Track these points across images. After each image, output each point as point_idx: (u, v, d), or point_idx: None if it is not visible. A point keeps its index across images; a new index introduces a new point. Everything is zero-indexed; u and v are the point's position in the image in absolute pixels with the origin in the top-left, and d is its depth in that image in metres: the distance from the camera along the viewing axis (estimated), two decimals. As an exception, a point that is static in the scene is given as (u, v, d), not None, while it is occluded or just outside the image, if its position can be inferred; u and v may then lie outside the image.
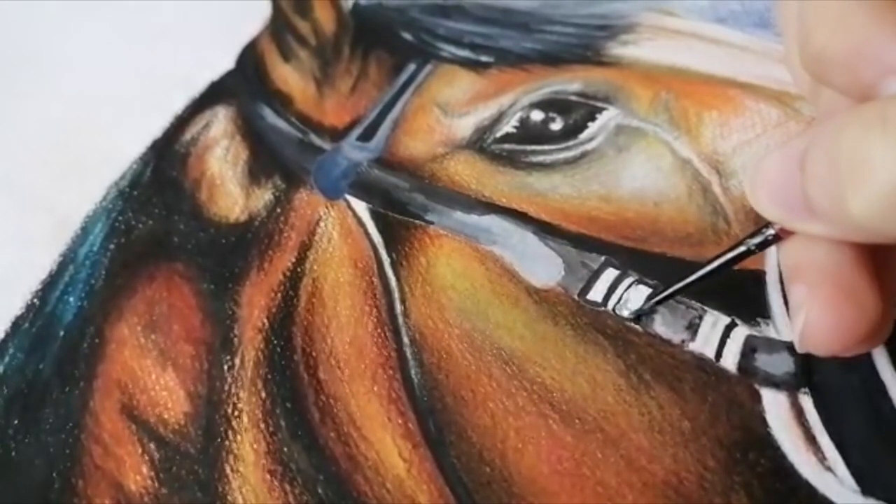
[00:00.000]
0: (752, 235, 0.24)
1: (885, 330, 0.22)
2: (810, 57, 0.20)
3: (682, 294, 0.26)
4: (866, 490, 0.23)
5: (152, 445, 0.27)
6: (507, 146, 0.33)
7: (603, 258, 0.29)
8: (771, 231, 0.23)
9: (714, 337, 0.26)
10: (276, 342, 0.29)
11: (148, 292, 0.31)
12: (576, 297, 0.28)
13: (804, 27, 0.20)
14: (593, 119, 0.33)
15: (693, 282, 0.26)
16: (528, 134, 0.33)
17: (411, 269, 0.30)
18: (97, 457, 0.27)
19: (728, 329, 0.27)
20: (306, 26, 0.39)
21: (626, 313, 0.27)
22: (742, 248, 0.24)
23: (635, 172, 0.31)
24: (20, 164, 0.36)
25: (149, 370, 0.29)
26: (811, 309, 0.22)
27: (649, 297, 0.27)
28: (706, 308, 0.27)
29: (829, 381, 0.25)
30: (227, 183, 0.34)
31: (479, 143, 0.33)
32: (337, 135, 0.35)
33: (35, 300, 0.31)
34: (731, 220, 0.29)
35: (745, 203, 0.30)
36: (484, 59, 0.36)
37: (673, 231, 0.29)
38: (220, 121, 0.36)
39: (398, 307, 0.29)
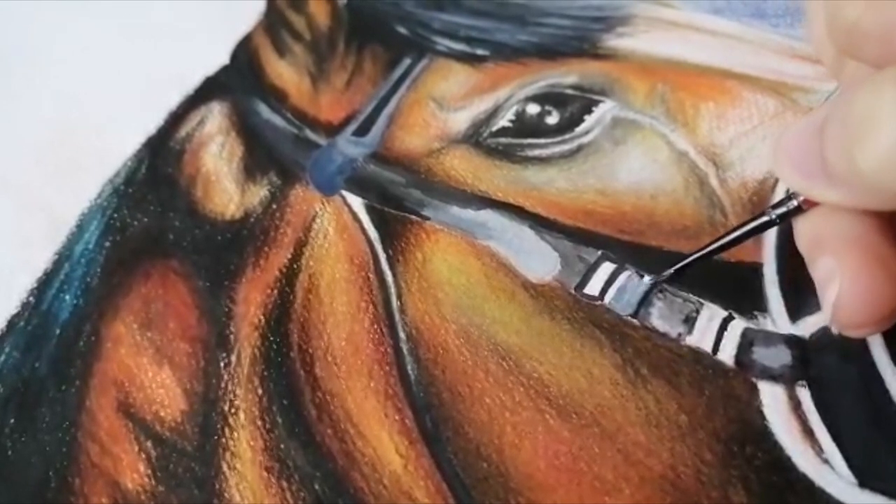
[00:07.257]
0: (776, 206, 0.24)
1: None
2: (841, 30, 0.20)
3: (701, 262, 0.26)
4: (863, 482, 0.23)
5: (149, 443, 0.27)
6: (503, 140, 0.33)
7: (599, 252, 0.29)
8: (794, 202, 0.23)
9: (711, 330, 0.26)
10: (272, 339, 0.29)
11: (143, 290, 0.31)
12: (572, 291, 0.28)
13: (834, 1, 0.20)
14: (589, 112, 0.33)
15: (713, 251, 0.26)
16: (525, 128, 0.33)
17: (407, 264, 0.30)
18: (94, 455, 0.27)
19: (725, 322, 0.26)
20: (301, 21, 0.39)
21: (624, 307, 0.27)
22: (764, 218, 0.24)
23: (632, 165, 0.31)
24: (15, 163, 0.36)
25: (145, 368, 0.29)
26: (843, 278, 0.22)
27: (654, 283, 0.27)
28: (703, 301, 0.27)
29: (826, 373, 0.25)
30: (222, 179, 0.34)
31: (475, 138, 0.33)
32: (332, 130, 0.35)
33: (31, 298, 0.31)
34: (728, 212, 0.29)
35: (741, 195, 0.29)
36: (479, 52, 0.36)
37: (670, 224, 0.29)
38: (215, 117, 0.36)
39: (394, 303, 0.29)
